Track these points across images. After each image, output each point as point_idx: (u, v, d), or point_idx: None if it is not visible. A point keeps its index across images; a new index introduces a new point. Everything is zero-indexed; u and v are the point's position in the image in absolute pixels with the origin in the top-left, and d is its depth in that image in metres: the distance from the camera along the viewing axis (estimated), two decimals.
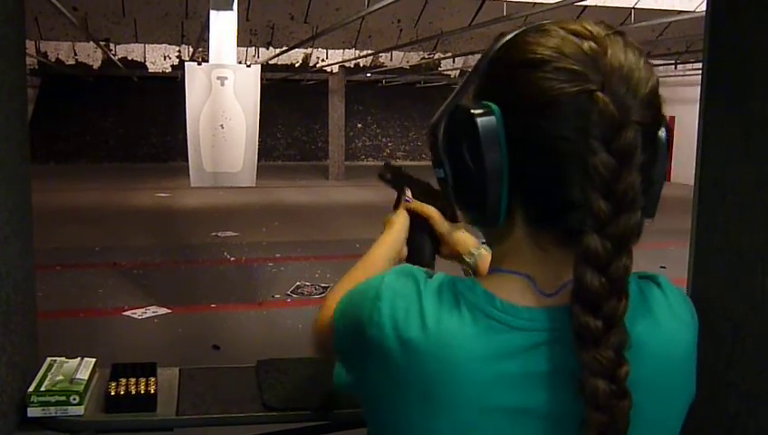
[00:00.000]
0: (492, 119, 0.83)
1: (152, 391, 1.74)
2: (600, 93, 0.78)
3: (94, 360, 1.85)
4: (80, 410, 1.66)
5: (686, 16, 7.97)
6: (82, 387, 1.70)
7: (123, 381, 1.77)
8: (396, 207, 1.60)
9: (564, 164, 0.80)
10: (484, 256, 1.50)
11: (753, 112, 1.60)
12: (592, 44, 0.81)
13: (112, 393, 1.72)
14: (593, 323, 0.78)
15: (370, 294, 0.90)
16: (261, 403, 1.75)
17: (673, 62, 14.28)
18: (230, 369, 1.99)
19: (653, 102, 0.83)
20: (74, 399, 1.66)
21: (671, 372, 0.90)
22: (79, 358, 1.85)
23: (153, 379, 1.81)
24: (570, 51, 0.81)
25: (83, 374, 1.75)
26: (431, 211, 1.53)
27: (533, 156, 0.82)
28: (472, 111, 0.83)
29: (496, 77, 0.86)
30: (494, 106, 0.83)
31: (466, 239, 1.54)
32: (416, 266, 0.92)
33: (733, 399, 1.64)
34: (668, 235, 6.20)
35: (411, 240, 1.56)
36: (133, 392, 1.72)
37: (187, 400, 1.76)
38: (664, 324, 0.89)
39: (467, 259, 1.51)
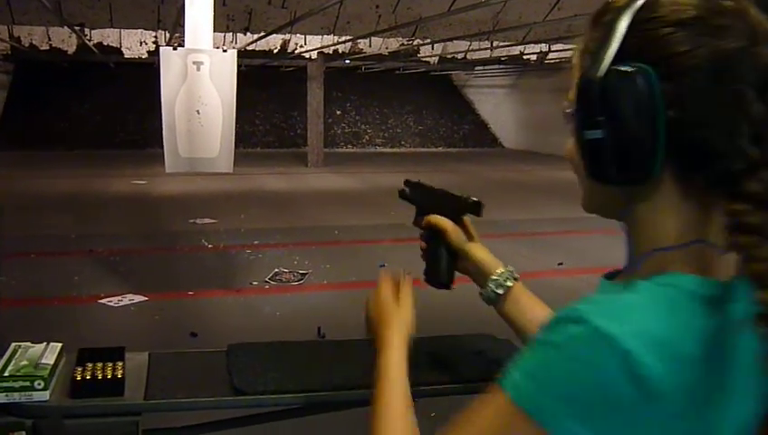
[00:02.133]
0: (649, 74, 0.85)
1: (119, 376, 1.71)
2: (754, 48, 0.84)
3: (60, 345, 1.82)
4: (45, 395, 1.63)
5: None
6: (47, 372, 1.66)
7: (90, 365, 1.74)
8: (416, 222, 1.55)
9: (716, 115, 0.84)
10: (516, 292, 1.46)
11: None
12: (732, 3, 0.86)
13: (78, 378, 1.68)
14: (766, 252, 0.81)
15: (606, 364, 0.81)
16: (231, 387, 1.73)
17: None
18: (200, 353, 1.97)
19: None
20: (39, 384, 1.63)
21: None
22: (45, 343, 1.81)
23: (121, 363, 1.78)
24: (717, 8, 0.85)
25: (49, 359, 1.72)
26: (446, 224, 1.51)
27: (687, 110, 0.84)
28: (633, 70, 0.85)
29: (644, 38, 0.87)
30: (647, 67, 0.85)
31: (487, 258, 1.50)
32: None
33: None
34: None
35: (428, 253, 1.53)
36: (100, 377, 1.69)
37: (155, 384, 1.73)
38: None
39: (492, 286, 1.47)
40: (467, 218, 1.55)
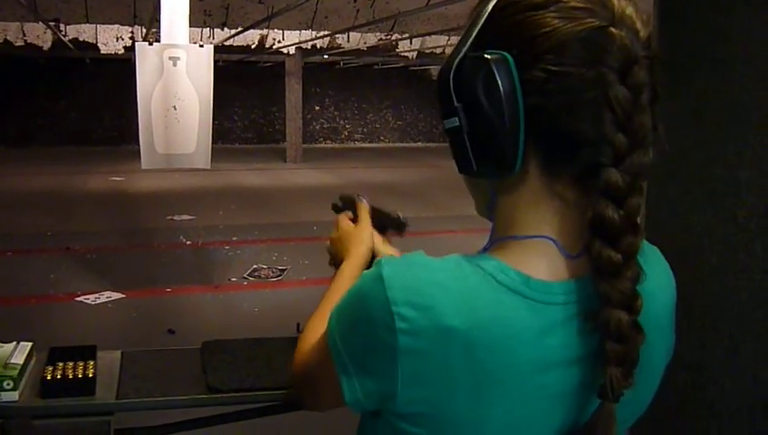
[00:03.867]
0: (506, 60, 0.82)
1: (90, 375, 1.69)
2: (613, 29, 0.80)
3: (31, 344, 1.79)
4: (14, 395, 1.60)
5: None
6: (17, 372, 1.63)
7: (60, 365, 1.71)
8: (355, 220, 1.56)
9: (578, 100, 0.81)
10: None
11: (702, 93, 1.59)
12: None
13: (48, 378, 1.66)
14: (614, 256, 0.80)
15: (375, 303, 0.83)
16: (205, 385, 1.71)
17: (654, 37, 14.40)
18: (174, 351, 1.94)
19: (649, 48, 0.84)
20: (8, 384, 1.60)
21: (669, 317, 0.95)
22: (14, 342, 1.78)
23: (92, 362, 1.75)
24: None
25: (18, 359, 1.69)
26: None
27: (548, 95, 0.81)
28: (487, 56, 0.82)
29: (502, 24, 0.85)
30: (505, 53, 0.82)
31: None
32: (416, 253, 0.87)
33: (680, 371, 1.64)
34: None
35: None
36: (70, 376, 1.66)
37: (128, 383, 1.71)
38: (658, 269, 0.95)
39: None
40: (390, 234, 1.57)
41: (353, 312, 0.87)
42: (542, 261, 0.85)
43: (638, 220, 0.83)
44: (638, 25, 0.83)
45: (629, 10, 0.83)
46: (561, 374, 0.84)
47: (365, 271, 0.89)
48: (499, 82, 0.81)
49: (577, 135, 0.82)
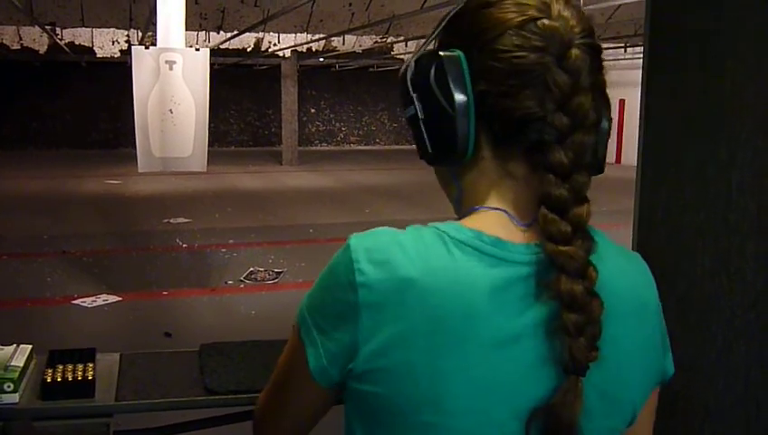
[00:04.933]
0: (456, 53, 0.91)
1: (90, 377, 1.70)
2: (547, 20, 0.88)
3: (30, 347, 1.80)
4: (14, 397, 1.62)
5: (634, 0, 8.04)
6: (17, 374, 1.65)
7: (60, 367, 1.73)
8: None
9: (523, 82, 0.87)
10: None
11: (693, 95, 1.61)
12: None
13: (48, 380, 1.67)
14: (563, 226, 0.86)
15: (340, 266, 0.89)
16: (203, 387, 1.72)
17: (623, 45, 14.44)
18: (172, 353, 1.96)
19: (589, 37, 0.91)
20: (8, 386, 1.61)
21: (643, 317, 0.96)
22: (14, 345, 1.80)
23: (91, 365, 1.76)
24: None
25: (18, 361, 1.70)
26: None
27: (494, 81, 0.89)
28: (438, 52, 0.92)
29: (458, 25, 0.94)
30: (456, 49, 0.92)
31: None
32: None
33: (676, 372, 1.65)
34: (616, 216, 6.27)
35: None
36: (70, 379, 1.68)
37: (126, 385, 1.72)
38: (627, 267, 0.97)
39: None
40: None
41: (323, 283, 0.92)
42: (496, 226, 0.91)
43: (585, 194, 0.88)
44: (574, 19, 0.90)
45: (565, 7, 0.91)
46: (526, 343, 0.86)
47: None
48: (447, 72, 0.90)
49: (521, 116, 0.88)
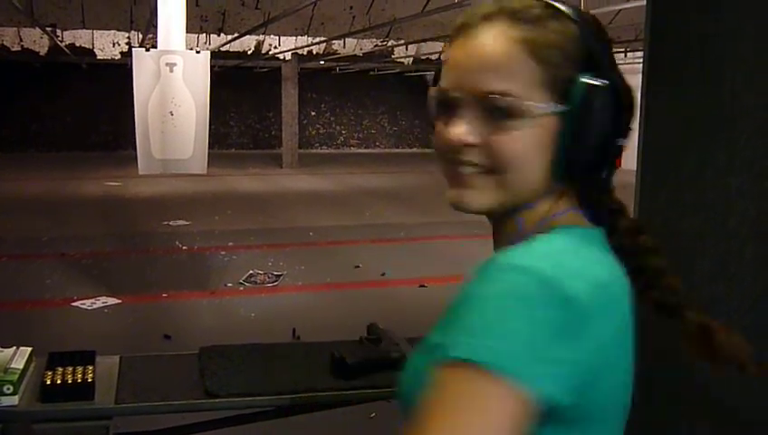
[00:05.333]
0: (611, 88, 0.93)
1: (89, 380, 1.70)
2: None
3: (30, 349, 1.80)
4: (14, 399, 1.62)
5: (634, 4, 8.05)
6: (17, 377, 1.65)
7: (60, 370, 1.73)
8: None
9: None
10: None
11: (692, 100, 1.61)
12: None
13: (48, 383, 1.67)
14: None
15: (530, 286, 0.79)
16: (203, 390, 1.72)
17: (623, 50, 14.44)
18: (172, 356, 1.96)
19: None
20: (8, 389, 1.62)
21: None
22: (14, 347, 1.80)
23: (91, 367, 1.77)
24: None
25: (18, 364, 1.71)
26: None
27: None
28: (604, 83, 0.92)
29: (600, 49, 0.95)
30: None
31: None
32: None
33: (671, 374, 1.66)
34: None
35: None
36: (70, 381, 1.68)
37: (126, 388, 1.73)
38: None
39: None
40: None
41: (504, 309, 0.79)
42: (584, 221, 0.98)
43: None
44: None
45: None
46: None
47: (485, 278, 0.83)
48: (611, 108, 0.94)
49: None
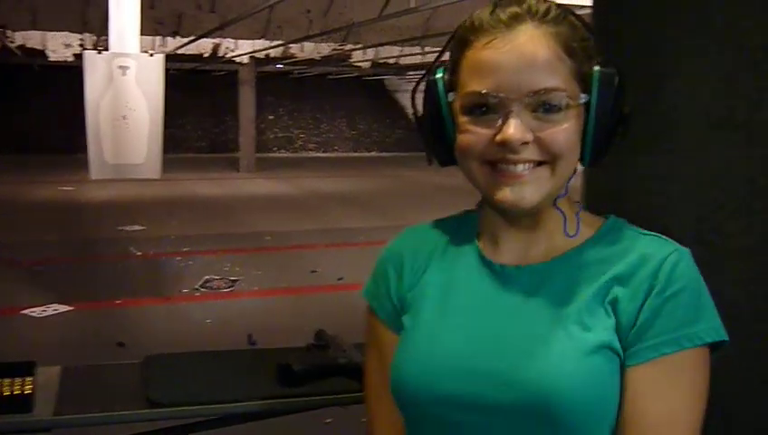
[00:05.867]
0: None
1: (27, 392, 1.66)
2: None
3: None
4: None
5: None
6: None
7: None
8: None
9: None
10: None
11: (633, 107, 1.63)
12: None
13: None
14: None
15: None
16: (146, 399, 1.69)
17: None
18: (115, 366, 1.92)
19: None
20: None
21: None
22: None
23: (30, 378, 1.72)
24: None
25: None
26: None
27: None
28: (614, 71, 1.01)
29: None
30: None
31: None
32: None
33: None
34: None
35: None
36: (6, 393, 1.64)
37: (66, 399, 1.69)
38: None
39: None
40: None
41: (706, 289, 0.98)
42: None
43: None
44: None
45: None
46: None
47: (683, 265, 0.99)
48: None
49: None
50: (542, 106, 0.94)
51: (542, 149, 0.95)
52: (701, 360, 0.94)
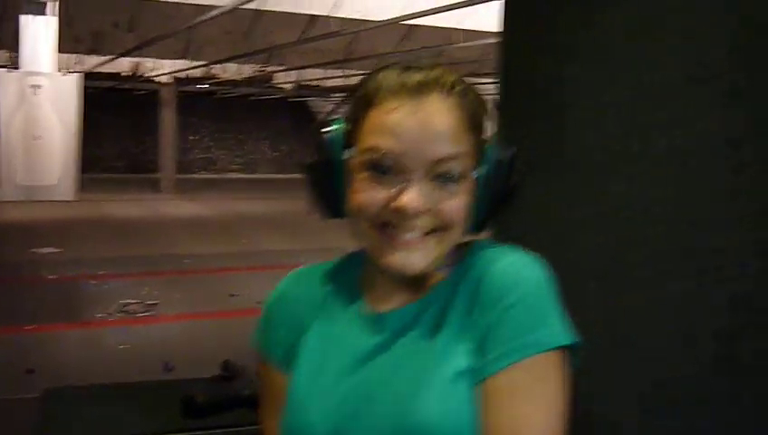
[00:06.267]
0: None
1: None
2: None
3: None
4: None
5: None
6: None
7: None
8: None
9: None
10: None
11: (536, 138, 1.67)
12: None
13: None
14: None
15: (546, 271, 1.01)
16: None
17: (498, 80, 14.91)
18: (13, 400, 1.86)
19: None
20: None
21: None
22: None
23: None
24: None
25: None
26: None
27: None
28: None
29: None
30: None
31: None
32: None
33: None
34: None
35: None
36: None
37: None
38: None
39: None
40: None
41: (553, 294, 0.97)
42: None
43: None
44: None
45: None
46: None
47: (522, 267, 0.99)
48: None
49: None
50: (442, 176, 0.95)
51: (436, 219, 0.96)
52: (551, 364, 0.94)
